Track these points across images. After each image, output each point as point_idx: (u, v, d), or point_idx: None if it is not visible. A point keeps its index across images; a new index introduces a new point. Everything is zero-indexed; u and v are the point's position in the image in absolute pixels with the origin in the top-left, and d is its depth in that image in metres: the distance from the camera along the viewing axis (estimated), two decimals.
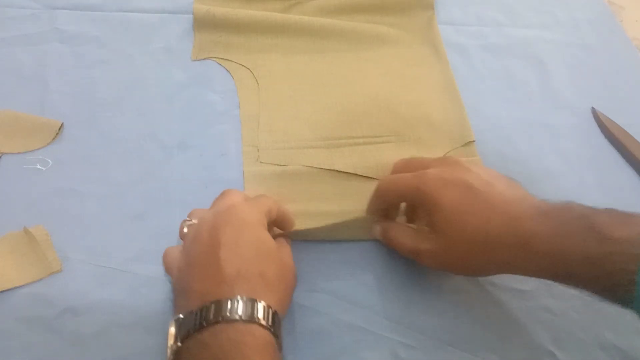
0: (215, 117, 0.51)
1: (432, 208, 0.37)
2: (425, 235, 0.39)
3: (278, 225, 0.42)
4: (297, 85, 0.55)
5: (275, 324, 0.32)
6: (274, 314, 0.32)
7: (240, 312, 0.30)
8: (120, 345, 0.38)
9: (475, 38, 0.62)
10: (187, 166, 0.48)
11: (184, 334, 0.31)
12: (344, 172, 0.48)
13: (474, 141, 0.52)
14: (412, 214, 0.45)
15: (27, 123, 0.48)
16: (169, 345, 0.32)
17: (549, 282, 0.44)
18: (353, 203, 0.46)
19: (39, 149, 0.47)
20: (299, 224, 0.44)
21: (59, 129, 0.48)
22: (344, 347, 0.40)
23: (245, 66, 0.55)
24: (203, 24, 0.57)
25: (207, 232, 0.35)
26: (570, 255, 0.32)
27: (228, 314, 0.30)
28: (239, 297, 0.31)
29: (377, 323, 0.41)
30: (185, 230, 0.39)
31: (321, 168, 0.48)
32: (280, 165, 0.48)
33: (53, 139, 0.47)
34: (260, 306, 0.31)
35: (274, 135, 0.51)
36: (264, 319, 0.31)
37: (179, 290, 0.35)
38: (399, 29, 0.61)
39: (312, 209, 0.46)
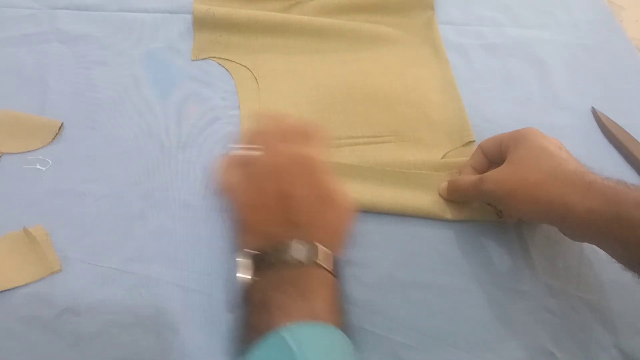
0: (215, 116, 0.51)
1: (521, 141, 0.43)
2: (492, 170, 0.44)
3: None
4: (297, 85, 0.55)
5: (334, 266, 0.36)
6: (333, 257, 0.36)
7: (304, 255, 0.35)
8: (120, 345, 0.38)
9: (475, 38, 0.62)
10: (187, 166, 0.48)
11: (256, 269, 0.35)
12: (343, 167, 0.48)
13: (474, 141, 0.52)
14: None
15: (27, 123, 0.48)
16: (240, 275, 0.36)
17: (549, 282, 0.45)
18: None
19: (38, 148, 0.47)
20: None
21: (59, 129, 0.48)
22: None
23: (245, 66, 0.55)
24: (203, 24, 0.57)
25: (279, 178, 0.38)
26: (623, 196, 0.37)
27: (294, 255, 0.35)
28: (304, 242, 0.35)
29: (377, 323, 0.42)
30: (245, 153, 0.40)
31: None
32: None
33: (53, 139, 0.47)
34: (321, 251, 0.36)
35: None
36: (323, 261, 0.35)
37: (244, 226, 0.38)
38: (399, 29, 0.61)
39: None
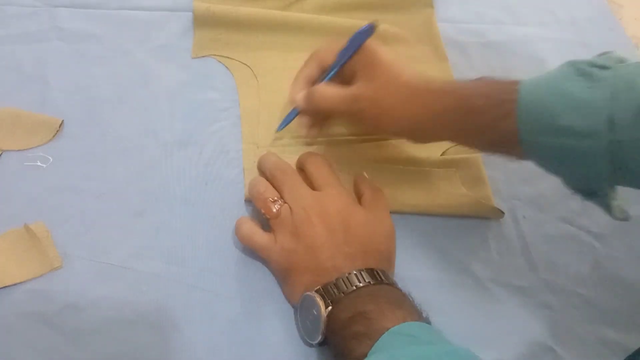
0: (215, 114, 0.51)
1: (374, 59, 0.43)
2: (358, 86, 0.43)
3: None
4: None
5: (391, 281, 0.39)
6: (386, 274, 0.40)
7: (370, 278, 0.38)
8: (121, 341, 0.39)
9: (474, 36, 0.62)
10: (187, 163, 0.48)
11: (330, 300, 0.37)
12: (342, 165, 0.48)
13: None
14: None
15: (27, 120, 0.48)
16: (321, 309, 0.37)
17: (548, 278, 0.45)
18: None
19: (39, 146, 0.47)
20: None
21: (60, 126, 0.48)
22: None
23: (245, 64, 0.55)
24: (203, 21, 0.57)
25: (320, 219, 0.41)
26: (470, 91, 0.40)
27: (360, 280, 0.38)
28: (364, 270, 0.39)
29: None
30: (275, 209, 0.42)
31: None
32: None
33: (53, 136, 0.48)
34: (379, 272, 0.39)
35: (274, 132, 0.51)
36: (385, 280, 0.39)
37: (296, 271, 0.40)
38: (398, 27, 0.61)
39: None
